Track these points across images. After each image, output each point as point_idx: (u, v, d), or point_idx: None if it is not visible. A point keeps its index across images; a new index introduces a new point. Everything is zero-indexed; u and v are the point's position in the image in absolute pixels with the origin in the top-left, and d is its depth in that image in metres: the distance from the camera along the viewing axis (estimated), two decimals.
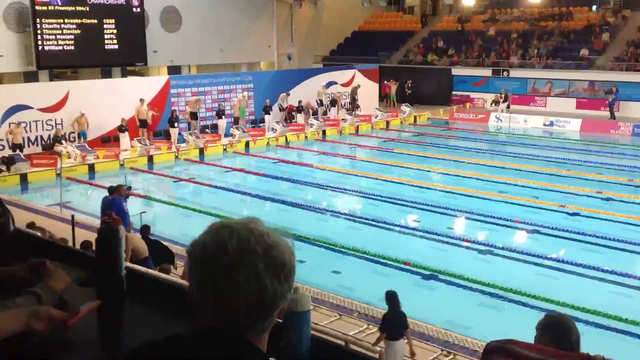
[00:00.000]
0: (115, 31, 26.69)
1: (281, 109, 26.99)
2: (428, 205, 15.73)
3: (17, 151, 19.31)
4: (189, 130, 23.33)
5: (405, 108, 30.45)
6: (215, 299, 1.21)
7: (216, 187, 18.27)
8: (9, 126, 19.68)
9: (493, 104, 30.51)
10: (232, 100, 25.81)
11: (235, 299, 1.19)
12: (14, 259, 2.25)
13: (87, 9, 25.79)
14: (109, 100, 21.97)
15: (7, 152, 19.34)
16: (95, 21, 26.06)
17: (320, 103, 28.46)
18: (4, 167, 18.66)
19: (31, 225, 9.43)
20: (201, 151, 22.70)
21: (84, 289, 2.06)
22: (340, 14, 38.01)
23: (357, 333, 8.14)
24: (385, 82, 33.29)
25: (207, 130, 24.36)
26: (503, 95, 30.02)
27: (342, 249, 12.66)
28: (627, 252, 12.67)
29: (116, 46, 26.84)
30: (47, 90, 21.68)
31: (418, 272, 11.54)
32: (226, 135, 24.13)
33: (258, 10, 33.23)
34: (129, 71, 29.50)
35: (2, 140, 19.63)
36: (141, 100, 22.50)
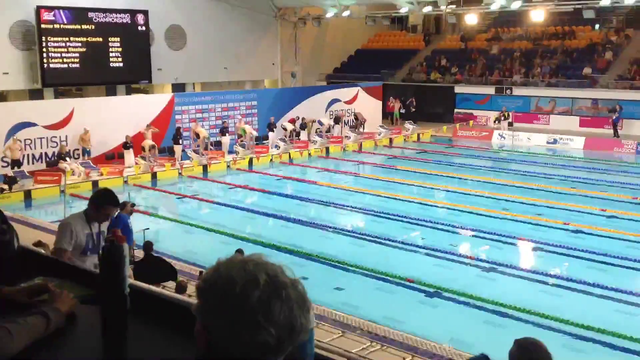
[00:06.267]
0: (120, 49, 26.85)
1: (284, 128, 27.07)
2: (431, 222, 15.72)
3: (15, 168, 19.18)
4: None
5: (409, 125, 30.54)
6: (248, 332, 1.20)
7: (219, 203, 18.29)
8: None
9: (497, 122, 30.58)
10: (235, 118, 25.91)
11: (269, 331, 1.20)
12: (19, 276, 2.26)
13: (93, 27, 25.98)
14: (114, 117, 22.11)
15: (9, 169, 19.23)
16: (101, 39, 26.23)
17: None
18: (6, 187, 18.57)
19: (38, 243, 9.42)
20: (205, 168, 22.76)
21: (88, 306, 2.08)
22: (344, 33, 38.21)
23: (360, 350, 8.09)
24: (391, 98, 33.36)
25: (211, 147, 24.44)
26: (504, 114, 30.10)
27: (345, 266, 12.63)
28: (631, 270, 12.61)
29: (121, 64, 26.99)
30: (52, 107, 21.82)
31: (421, 290, 11.50)
32: (230, 152, 24.21)
33: (262, 29, 33.44)
34: (134, 89, 29.67)
35: (7, 157, 19.66)
36: (148, 126, 22.72)
